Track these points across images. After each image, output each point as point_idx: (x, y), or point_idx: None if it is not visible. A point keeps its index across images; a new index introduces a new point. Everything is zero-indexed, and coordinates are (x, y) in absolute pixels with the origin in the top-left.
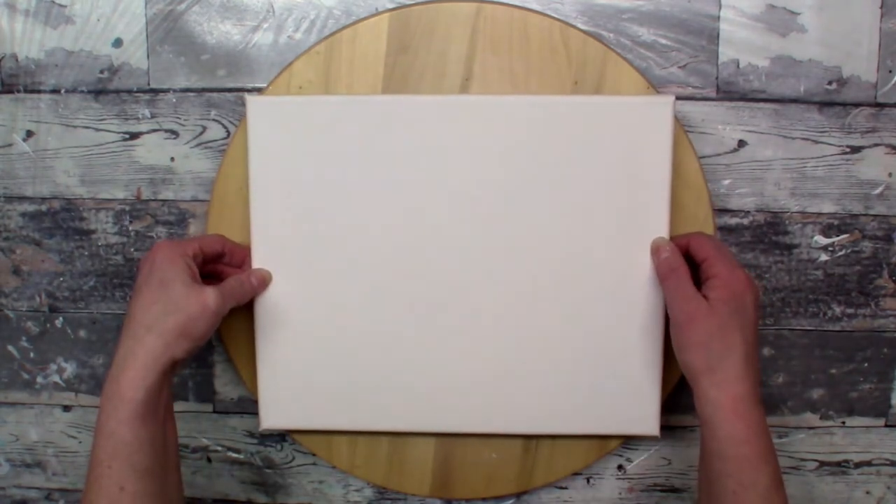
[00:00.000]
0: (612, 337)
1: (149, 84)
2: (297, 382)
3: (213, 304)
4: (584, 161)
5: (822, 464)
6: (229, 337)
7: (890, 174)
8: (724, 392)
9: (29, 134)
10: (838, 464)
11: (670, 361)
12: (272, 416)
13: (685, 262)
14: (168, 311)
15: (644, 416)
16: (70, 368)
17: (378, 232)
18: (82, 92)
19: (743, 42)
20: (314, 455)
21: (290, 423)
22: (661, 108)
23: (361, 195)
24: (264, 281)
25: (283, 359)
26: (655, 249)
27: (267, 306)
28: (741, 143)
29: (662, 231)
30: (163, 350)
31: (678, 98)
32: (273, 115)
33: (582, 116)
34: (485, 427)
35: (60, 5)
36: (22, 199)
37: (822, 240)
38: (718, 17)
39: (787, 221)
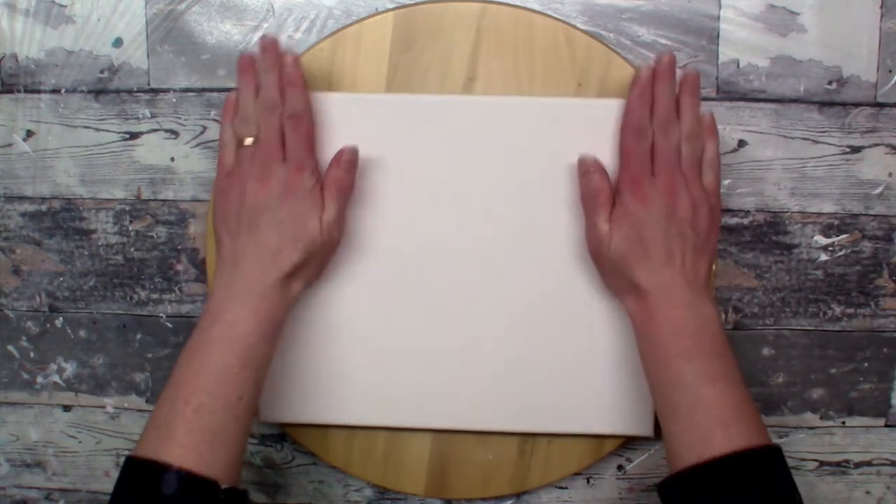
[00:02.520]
0: (609, 337)
1: (149, 84)
2: (295, 377)
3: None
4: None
5: (822, 464)
6: None
7: (890, 174)
8: (639, 304)
9: (29, 134)
10: (838, 464)
11: None
12: (270, 409)
13: (609, 186)
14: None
15: (639, 416)
16: (70, 368)
17: (378, 230)
18: (82, 92)
19: (743, 42)
20: (314, 455)
21: (288, 417)
22: None
23: (362, 193)
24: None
25: (281, 353)
26: (584, 171)
27: None
28: (741, 143)
29: None
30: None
31: None
32: None
33: (584, 118)
34: (481, 425)
35: (60, 5)
36: (22, 199)
37: (822, 240)
38: (718, 17)
39: (787, 221)
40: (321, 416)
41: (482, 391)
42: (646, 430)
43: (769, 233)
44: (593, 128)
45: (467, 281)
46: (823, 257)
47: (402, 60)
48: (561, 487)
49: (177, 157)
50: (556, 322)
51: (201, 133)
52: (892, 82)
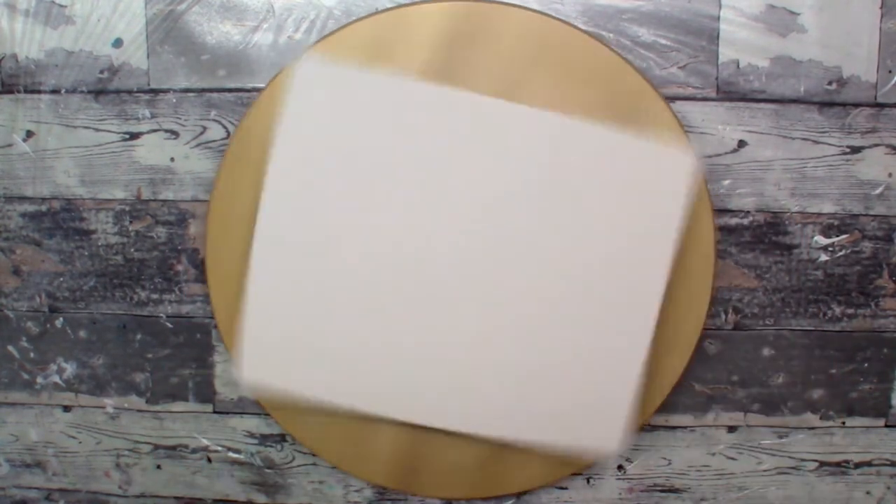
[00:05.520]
0: (593, 351)
1: (149, 84)
2: (282, 342)
3: None
4: (603, 188)
5: (822, 464)
6: (230, 336)
7: (890, 174)
8: None
9: (29, 134)
10: (838, 464)
11: (656, 379)
12: (252, 368)
13: None
14: None
15: (608, 432)
16: (70, 369)
17: (389, 217)
18: (82, 92)
19: (743, 42)
20: (314, 455)
21: (268, 379)
22: (680, 167)
23: (380, 179)
24: None
25: (272, 315)
26: None
27: (266, 264)
28: (741, 143)
29: (662, 270)
30: None
31: (678, 98)
32: (320, 78)
33: (611, 148)
34: (451, 423)
35: (60, 5)
36: (22, 199)
37: (822, 240)
38: (718, 18)
39: (787, 221)
40: (300, 387)
41: (461, 391)
42: (612, 447)
43: (769, 233)
44: (615, 157)
45: (464, 280)
46: (823, 257)
47: (452, 53)
48: (561, 487)
49: (177, 158)
50: (543, 332)
51: (201, 133)
52: (892, 82)
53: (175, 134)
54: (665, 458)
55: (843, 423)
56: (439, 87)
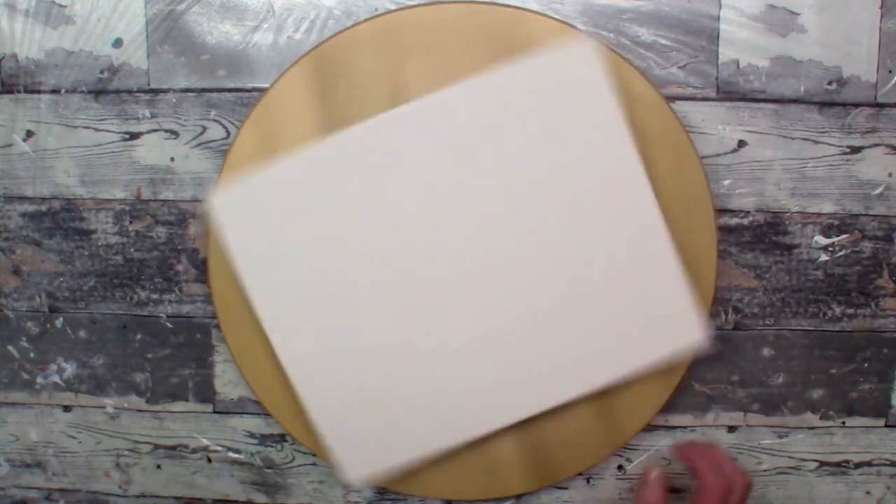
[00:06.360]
0: (627, 269)
1: (149, 84)
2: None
3: None
4: (539, 128)
5: (822, 464)
6: (232, 337)
7: (890, 174)
8: None
9: (29, 134)
10: (838, 464)
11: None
12: (357, 467)
13: (665, 495)
14: None
15: (685, 326)
16: (70, 369)
17: (364, 262)
18: (82, 92)
19: (743, 42)
20: (314, 455)
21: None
22: (584, 56)
23: (344, 237)
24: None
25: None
26: (643, 482)
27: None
28: (741, 144)
29: (640, 178)
30: None
31: (678, 98)
32: (240, 204)
33: (513, 86)
34: (529, 410)
35: (60, 5)
36: (22, 199)
37: (822, 240)
38: (718, 18)
39: (787, 221)
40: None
41: (517, 373)
42: (698, 337)
43: (769, 233)
44: (525, 91)
45: (466, 274)
46: (823, 257)
47: (324, 102)
48: (561, 487)
49: (177, 158)
50: (569, 282)
51: (201, 133)
52: (892, 82)
53: (175, 134)
54: (665, 459)
55: (843, 423)
56: (329, 139)
